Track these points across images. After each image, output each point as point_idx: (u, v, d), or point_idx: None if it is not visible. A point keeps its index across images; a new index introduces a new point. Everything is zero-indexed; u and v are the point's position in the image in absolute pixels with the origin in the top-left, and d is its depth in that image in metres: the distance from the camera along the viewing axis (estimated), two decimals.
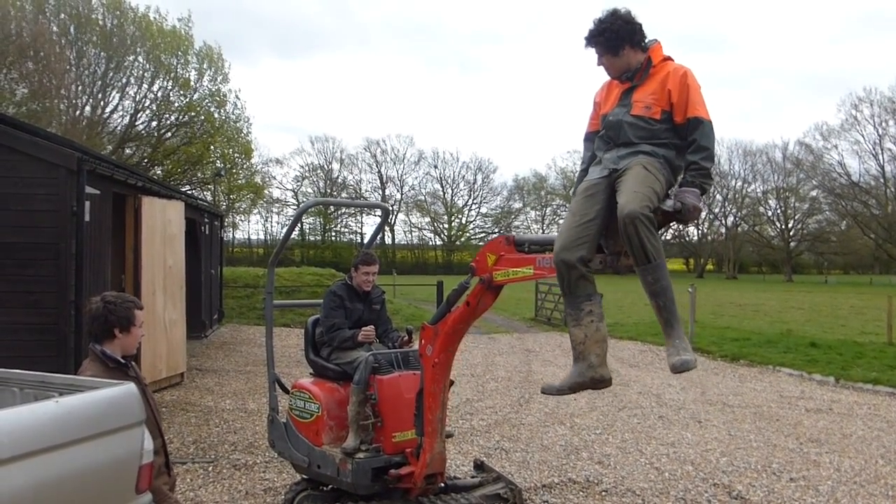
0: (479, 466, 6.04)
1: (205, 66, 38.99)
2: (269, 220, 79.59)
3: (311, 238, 79.74)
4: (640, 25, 4.00)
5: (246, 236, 77.45)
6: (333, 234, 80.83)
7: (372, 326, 5.50)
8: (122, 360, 3.75)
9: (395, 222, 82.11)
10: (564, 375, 3.90)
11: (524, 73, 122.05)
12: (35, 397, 3.43)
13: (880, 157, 66.70)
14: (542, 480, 6.74)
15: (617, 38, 3.92)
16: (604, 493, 6.42)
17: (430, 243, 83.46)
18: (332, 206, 77.06)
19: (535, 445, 8.01)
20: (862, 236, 71.72)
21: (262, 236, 79.91)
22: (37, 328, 7.25)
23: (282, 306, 7.52)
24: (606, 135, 4.03)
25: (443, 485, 5.36)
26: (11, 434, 2.61)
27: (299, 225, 79.03)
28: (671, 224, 4.07)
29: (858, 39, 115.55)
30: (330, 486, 5.48)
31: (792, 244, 74.67)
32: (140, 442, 3.15)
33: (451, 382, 5.38)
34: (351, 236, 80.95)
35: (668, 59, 4.03)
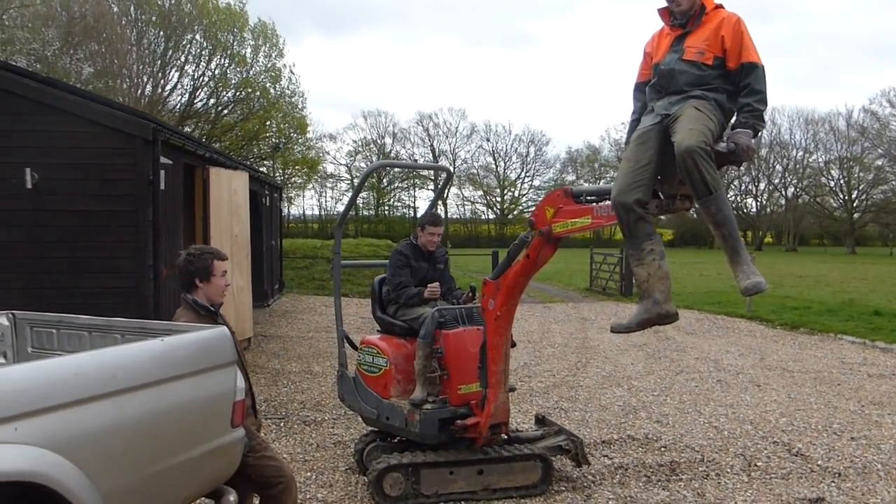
0: (541, 421, 6.26)
1: (260, 41, 39.52)
2: (324, 194, 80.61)
3: (365, 212, 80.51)
4: None
5: (300, 211, 78.50)
6: (386, 207, 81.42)
7: (437, 284, 5.72)
8: (212, 308, 4.02)
9: (447, 196, 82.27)
10: (632, 314, 4.07)
11: (572, 46, 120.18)
12: (135, 342, 3.74)
13: None
14: (602, 437, 6.90)
15: None
16: (663, 449, 6.55)
17: (483, 217, 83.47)
18: (389, 175, 77.65)
19: (593, 405, 8.17)
20: None
21: (316, 211, 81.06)
22: (118, 292, 7.68)
23: (349, 266, 7.80)
24: (658, 83, 4.17)
25: (506, 436, 5.58)
26: (125, 368, 2.90)
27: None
28: (725, 166, 4.18)
29: None
30: (398, 438, 5.76)
31: (855, 215, 72.40)
32: (233, 380, 3.42)
33: (513, 344, 5.59)
34: (404, 210, 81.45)
35: (720, 6, 4.16)
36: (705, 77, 4.00)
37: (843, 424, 7.40)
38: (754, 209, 76.05)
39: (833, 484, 5.70)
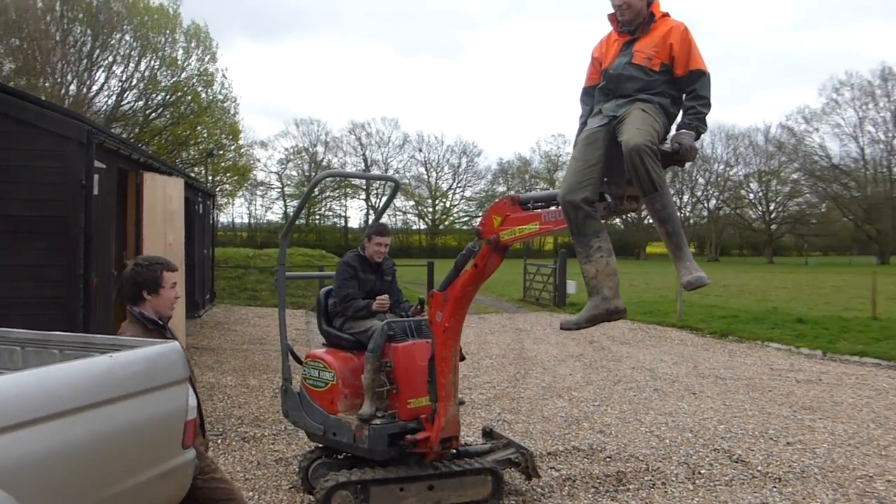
0: (489, 434, 6.22)
1: (192, 44, 38.59)
2: (254, 203, 79.27)
3: (295, 221, 79.44)
4: None
5: (230, 219, 77.06)
6: (317, 217, 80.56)
7: (386, 296, 5.63)
8: (160, 322, 3.84)
9: (379, 206, 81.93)
10: (580, 311, 4.10)
11: (504, 58, 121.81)
12: (76, 358, 3.53)
13: (860, 139, 67.46)
14: (547, 449, 6.90)
15: None
16: (608, 459, 6.59)
17: (415, 227, 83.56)
18: (320, 184, 76.76)
19: (535, 417, 8.19)
20: (841, 218, 72.59)
21: (245, 219, 79.62)
22: (46, 302, 7.30)
23: (294, 278, 7.62)
24: (606, 87, 4.27)
25: (454, 450, 5.51)
26: (72, 387, 2.72)
27: (283, 207, 78.70)
28: (669, 167, 4.28)
29: (824, 24, 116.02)
30: (344, 454, 5.62)
31: (773, 227, 75.40)
32: (185, 398, 3.26)
33: (462, 357, 5.54)
34: (335, 220, 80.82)
35: (667, 15, 4.28)
36: (652, 82, 4.10)
37: (778, 430, 7.61)
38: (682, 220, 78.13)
39: (775, 489, 5.84)
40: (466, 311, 5.30)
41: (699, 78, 4.06)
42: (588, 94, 4.50)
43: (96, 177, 7.64)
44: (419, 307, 5.79)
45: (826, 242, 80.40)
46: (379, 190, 78.59)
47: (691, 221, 76.98)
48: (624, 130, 3.94)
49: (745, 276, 39.84)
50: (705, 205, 77.16)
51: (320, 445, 5.79)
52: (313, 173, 78.44)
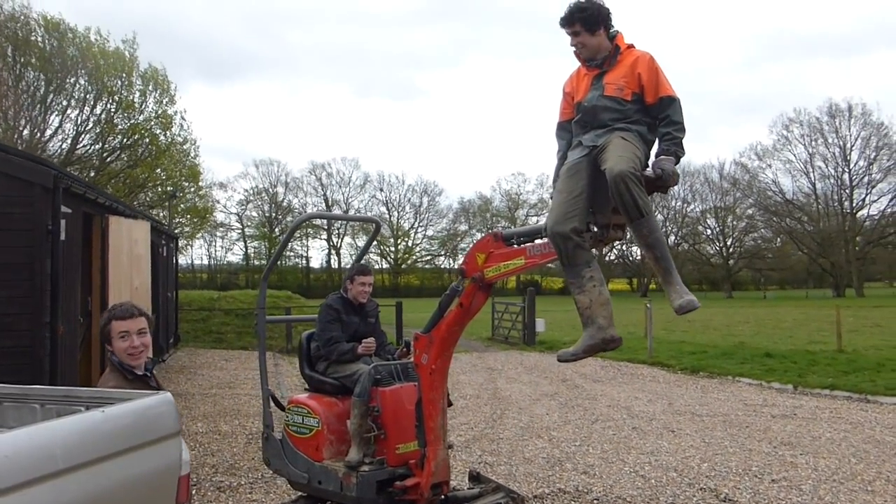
0: (475, 478, 6.05)
1: (150, 87, 38.28)
2: (213, 244, 78.33)
3: (255, 262, 78.62)
4: (610, 13, 4.33)
5: (189, 261, 75.93)
6: (269, 261, 79.82)
7: (372, 339, 5.50)
8: (141, 372, 3.67)
9: (340, 246, 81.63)
10: (577, 342, 4.07)
11: (460, 98, 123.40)
12: (58, 413, 3.35)
13: (811, 174, 69.42)
14: (532, 491, 6.78)
15: (595, 18, 4.26)
16: (595, 502, 6.49)
17: (377, 266, 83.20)
18: (281, 224, 76.32)
19: (517, 458, 8.06)
20: (796, 252, 74.35)
21: (205, 261, 78.53)
22: (10, 351, 7.00)
23: (275, 321, 7.43)
24: (583, 119, 4.32)
25: (444, 497, 5.36)
26: (65, 444, 2.55)
27: (243, 248, 77.90)
28: (652, 193, 4.28)
29: (768, 63, 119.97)
30: (329, 503, 5.43)
31: (731, 261, 76.78)
32: (179, 452, 3.10)
33: (450, 403, 5.43)
34: (297, 260, 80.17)
35: (632, 46, 4.37)
36: (626, 111, 4.17)
37: (761, 467, 7.58)
38: (639, 257, 79.15)
39: None
40: (452, 352, 5.20)
41: (670, 104, 4.13)
42: (563, 129, 4.55)
43: (63, 222, 7.42)
44: (405, 350, 5.67)
45: (782, 276, 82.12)
46: (340, 230, 78.34)
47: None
48: (606, 159, 3.96)
49: (707, 311, 40.29)
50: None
51: (304, 494, 5.59)
52: (274, 214, 78.05)
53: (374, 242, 77.25)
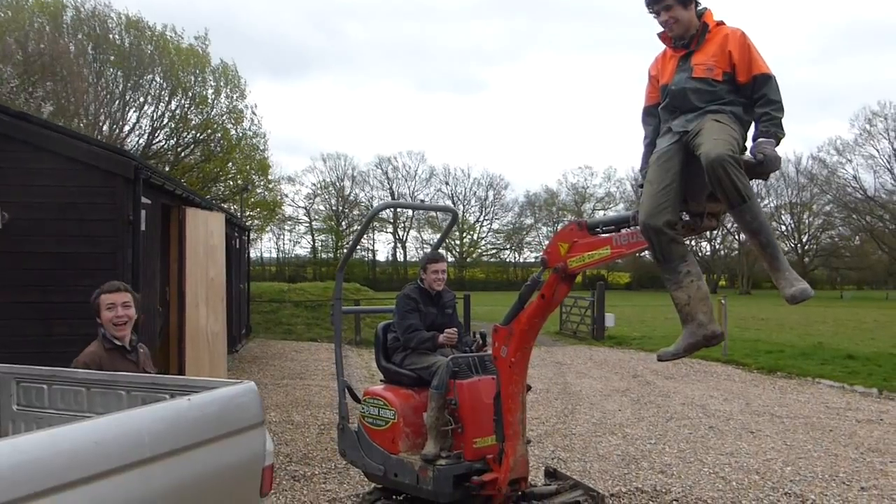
0: (552, 474, 5.92)
1: (221, 83, 39.14)
2: (282, 237, 79.79)
3: (323, 255, 79.78)
4: None
5: (258, 254, 77.59)
6: (345, 250, 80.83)
7: (455, 329, 5.43)
8: (119, 343, 3.93)
9: (406, 239, 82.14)
10: (677, 340, 3.92)
11: (523, 92, 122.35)
12: (143, 400, 3.37)
13: (895, 170, 66.45)
14: (609, 490, 6.61)
15: None
16: (675, 503, 6.29)
17: None
18: (348, 218, 77.29)
19: (591, 455, 7.89)
20: (876, 251, 71.34)
21: (274, 254, 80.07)
22: (92, 340, 7.17)
23: (351, 312, 7.44)
24: (671, 104, 4.09)
25: (521, 493, 5.25)
26: (152, 432, 2.54)
27: (311, 241, 79.12)
28: (752, 180, 4.06)
29: (842, 55, 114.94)
30: (404, 495, 5.39)
31: (806, 259, 74.22)
32: (263, 442, 3.08)
33: (529, 387, 5.32)
34: (363, 253, 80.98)
35: (722, 23, 4.12)
36: (718, 92, 3.94)
37: (848, 473, 7.23)
38: (708, 252, 77.38)
39: None
40: (533, 344, 5.08)
41: (765, 83, 3.88)
42: (649, 114, 4.35)
43: (143, 212, 7.57)
44: (481, 342, 5.57)
45: (860, 276, 78.90)
46: (407, 223, 78.82)
47: (721, 253, 76.15)
48: (702, 143, 3.75)
49: (781, 309, 39.05)
50: (736, 237, 76.22)
51: (379, 486, 5.57)
52: (341, 208, 79.02)
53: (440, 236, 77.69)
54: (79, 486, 2.23)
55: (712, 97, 3.94)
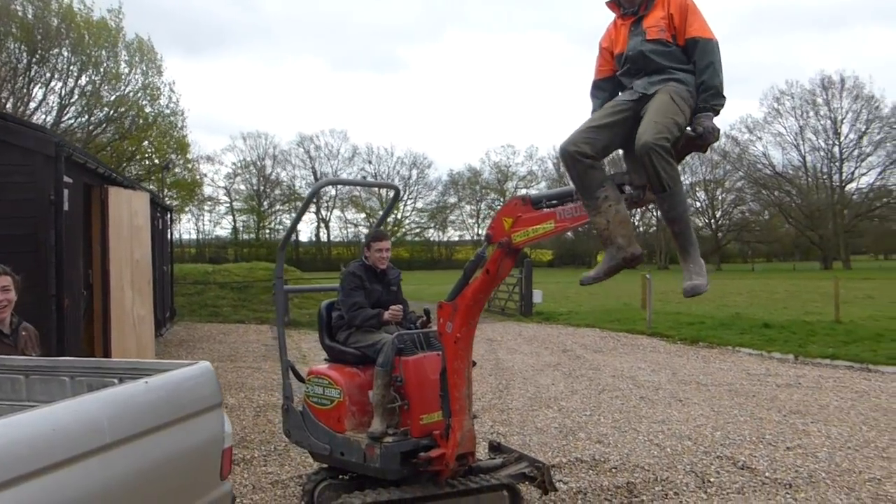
0: (497, 448, 6.00)
1: (136, 58, 37.64)
2: (201, 218, 77.79)
3: (245, 236, 78.24)
4: None
5: (178, 235, 75.43)
6: (267, 231, 79.45)
7: (400, 306, 5.40)
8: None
9: (329, 219, 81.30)
10: (597, 264, 3.99)
11: (444, 71, 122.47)
12: (90, 386, 3.23)
13: (801, 147, 69.51)
14: (549, 460, 6.72)
15: None
16: (614, 470, 6.46)
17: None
18: (270, 197, 75.94)
19: (529, 428, 8.02)
20: (784, 224, 74.64)
21: (193, 235, 78.03)
22: None
23: (294, 291, 7.30)
24: (631, 69, 4.07)
25: (467, 467, 5.29)
26: (111, 417, 2.44)
27: (232, 222, 77.43)
28: (692, 152, 4.16)
29: (752, 36, 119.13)
30: (350, 475, 5.36)
31: (720, 234, 77.00)
32: (221, 424, 3.00)
33: (473, 363, 5.35)
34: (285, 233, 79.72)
35: None
36: (674, 53, 3.93)
37: (774, 435, 7.58)
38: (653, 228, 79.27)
39: (788, 495, 5.77)
40: (478, 320, 5.10)
41: (698, 46, 3.86)
42: (599, 88, 4.34)
43: (66, 192, 7.23)
44: (426, 318, 5.56)
45: (770, 249, 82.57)
46: (330, 203, 77.93)
47: (640, 229, 78.21)
48: (644, 119, 3.78)
49: None
50: (654, 213, 78.40)
51: (324, 466, 5.52)
52: (262, 187, 77.51)
53: (363, 215, 76.03)
54: (38, 477, 2.11)
55: (673, 59, 3.93)
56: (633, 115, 3.92)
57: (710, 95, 3.87)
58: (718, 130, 3.92)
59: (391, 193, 6.43)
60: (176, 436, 2.71)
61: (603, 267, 3.93)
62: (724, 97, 3.92)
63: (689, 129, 3.89)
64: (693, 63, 3.90)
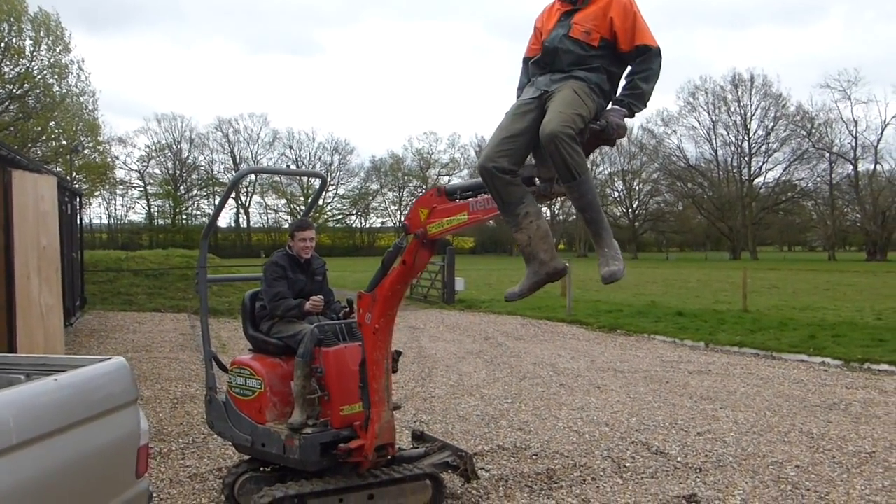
0: (420, 437, 6.03)
1: (41, 34, 35.88)
2: (113, 202, 75.06)
3: (161, 221, 75.92)
4: None
5: (87, 220, 72.56)
6: (184, 216, 77.32)
7: (321, 296, 5.34)
8: None
9: (249, 204, 79.71)
10: (521, 280, 3.92)
11: (361, 55, 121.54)
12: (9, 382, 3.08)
13: (714, 141, 72.07)
14: (471, 449, 6.77)
15: None
16: (534, 457, 6.57)
17: (286, 225, 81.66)
18: (187, 182, 73.85)
19: (451, 416, 8.08)
20: (696, 215, 77.33)
21: (105, 220, 75.25)
22: None
23: (216, 281, 7.12)
24: (543, 59, 4.05)
25: (390, 458, 5.29)
26: (18, 417, 2.33)
27: (146, 207, 74.97)
28: (599, 146, 4.14)
29: (664, 30, 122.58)
30: (272, 467, 5.30)
31: (636, 224, 79.18)
32: (137, 421, 2.90)
33: (399, 353, 5.36)
34: (203, 219, 77.79)
35: None
36: (587, 57, 3.88)
37: (685, 420, 7.86)
38: (547, 217, 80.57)
39: (698, 479, 5.99)
40: (397, 310, 5.10)
41: (645, 53, 3.84)
42: (526, 65, 4.30)
43: None
44: (349, 309, 5.52)
45: (683, 239, 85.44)
46: (249, 189, 76.38)
47: (560, 218, 79.65)
48: (548, 111, 3.76)
49: None
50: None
51: (245, 459, 5.43)
52: (178, 171, 75.31)
53: (284, 201, 74.75)
54: None
55: (582, 61, 3.88)
56: (538, 113, 3.88)
57: (632, 94, 3.86)
58: (625, 129, 3.90)
59: (317, 182, 6.28)
60: (88, 435, 2.61)
61: (526, 283, 3.89)
62: (644, 104, 3.92)
63: (596, 123, 3.84)
64: (631, 66, 3.89)
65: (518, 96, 4.27)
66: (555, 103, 3.77)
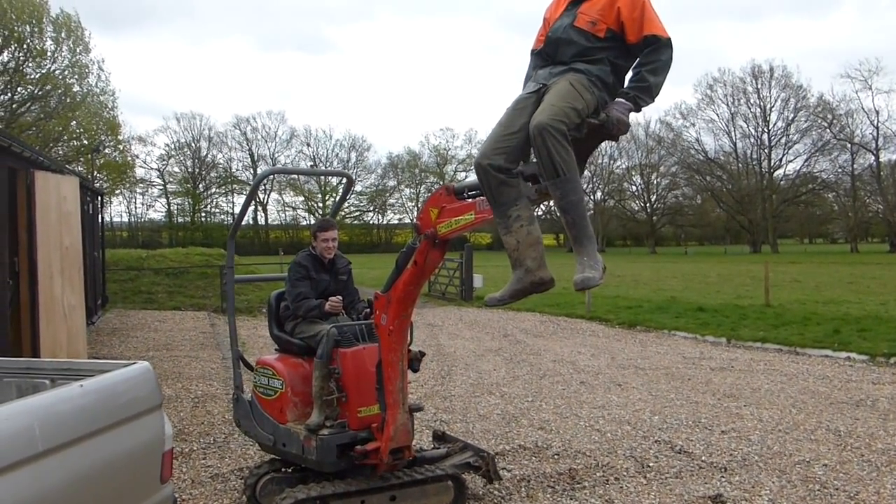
0: (441, 437, 6.00)
1: (62, 35, 36.19)
2: (133, 201, 75.67)
3: (180, 219, 76.44)
4: None
5: (108, 218, 73.23)
6: (203, 214, 77.80)
7: (340, 297, 5.33)
8: None
9: (267, 202, 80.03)
10: (505, 285, 3.78)
11: (377, 52, 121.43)
12: (18, 388, 3.09)
13: (733, 134, 71.44)
14: (492, 448, 6.75)
15: None
16: (556, 457, 6.53)
17: (304, 223, 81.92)
18: (205, 180, 74.28)
19: (472, 415, 8.05)
20: (715, 209, 76.75)
21: (125, 219, 75.89)
22: None
23: (244, 281, 7.15)
24: (546, 50, 3.92)
25: (410, 459, 5.26)
26: (45, 424, 2.32)
27: (166, 205, 75.45)
28: (601, 142, 4.01)
29: (673, 24, 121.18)
30: (294, 468, 5.30)
31: (654, 218, 78.70)
32: (161, 426, 2.90)
33: (423, 354, 5.34)
34: (222, 217, 78.30)
35: None
36: (591, 49, 3.74)
37: (709, 419, 7.78)
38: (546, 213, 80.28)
39: (723, 479, 5.92)
40: (411, 311, 5.03)
41: (654, 43, 3.67)
42: (533, 56, 4.14)
43: None
44: (370, 310, 5.50)
45: (702, 232, 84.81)
46: (267, 186, 76.67)
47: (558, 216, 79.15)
48: (542, 104, 3.63)
49: (633, 266, 41.35)
50: (591, 196, 79.56)
51: (267, 460, 5.45)
52: (198, 170, 75.78)
53: (302, 198, 74.92)
54: None
55: (584, 52, 3.74)
56: (534, 105, 3.74)
57: (639, 87, 3.72)
58: (628, 124, 3.76)
59: (335, 181, 6.25)
60: (113, 441, 2.60)
61: (509, 289, 3.73)
62: (651, 98, 3.77)
63: (597, 117, 3.71)
64: (639, 58, 3.73)
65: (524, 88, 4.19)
66: (549, 96, 3.64)
